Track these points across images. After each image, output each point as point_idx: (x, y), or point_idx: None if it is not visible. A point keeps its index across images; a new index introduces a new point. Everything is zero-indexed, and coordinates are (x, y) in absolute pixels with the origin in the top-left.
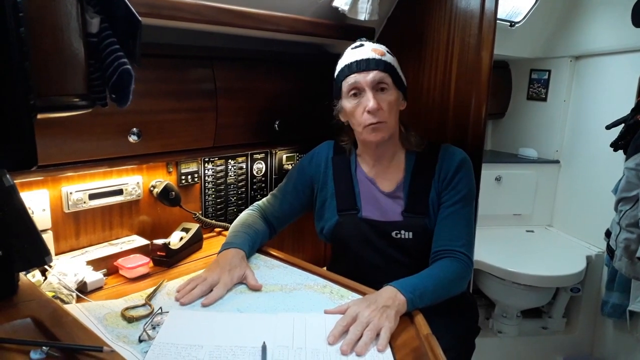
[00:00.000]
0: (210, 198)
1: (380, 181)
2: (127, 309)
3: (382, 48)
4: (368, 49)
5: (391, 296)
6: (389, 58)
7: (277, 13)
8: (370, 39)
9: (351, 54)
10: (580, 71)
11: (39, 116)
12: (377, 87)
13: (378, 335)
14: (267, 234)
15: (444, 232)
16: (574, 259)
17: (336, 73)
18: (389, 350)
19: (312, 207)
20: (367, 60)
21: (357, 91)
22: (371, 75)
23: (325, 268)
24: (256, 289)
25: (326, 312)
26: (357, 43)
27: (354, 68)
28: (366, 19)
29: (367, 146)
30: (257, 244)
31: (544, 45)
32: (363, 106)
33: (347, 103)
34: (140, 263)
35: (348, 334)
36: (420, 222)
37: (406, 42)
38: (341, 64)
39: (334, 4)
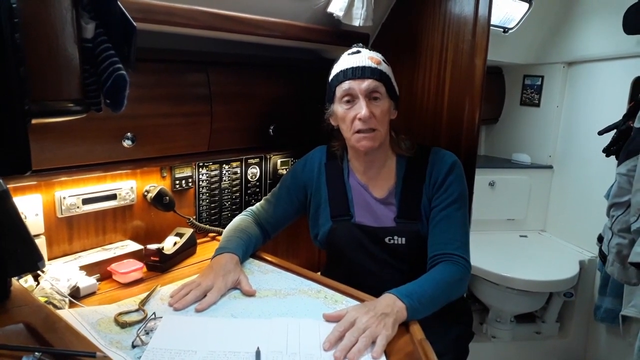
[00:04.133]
0: (204, 203)
1: (373, 187)
2: (120, 314)
3: (378, 57)
4: (365, 57)
5: (389, 303)
6: (384, 67)
7: (272, 18)
8: (365, 44)
9: (347, 60)
10: (572, 77)
11: (34, 121)
12: (371, 96)
13: (374, 342)
14: (261, 238)
15: (438, 236)
16: (567, 263)
17: (331, 77)
18: (383, 358)
19: (305, 212)
20: (363, 68)
21: (351, 97)
22: (366, 84)
23: (319, 273)
24: (250, 294)
25: (325, 316)
26: (354, 49)
27: (349, 74)
28: (361, 24)
29: (357, 152)
30: (250, 248)
31: (537, 52)
32: (355, 113)
33: (339, 108)
34: (134, 268)
35: (343, 339)
36: (412, 227)
37: (400, 47)
38: (337, 68)
39: (329, 9)
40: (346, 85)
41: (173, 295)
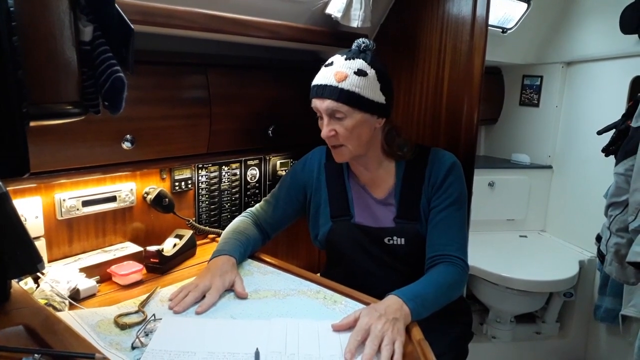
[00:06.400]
0: (203, 204)
1: (372, 188)
2: (120, 316)
3: (346, 70)
4: (331, 72)
5: (398, 308)
6: (349, 83)
7: (271, 20)
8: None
9: (319, 74)
10: (571, 77)
11: (32, 124)
12: (333, 115)
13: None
14: (260, 240)
15: (437, 237)
16: (567, 263)
17: None
18: None
19: (305, 213)
20: (324, 86)
21: (319, 113)
22: (325, 104)
23: (319, 274)
24: (242, 296)
25: (335, 326)
26: (330, 60)
27: (314, 92)
28: (359, 25)
29: None
30: (248, 250)
31: (535, 52)
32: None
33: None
34: (134, 270)
35: (365, 348)
36: (412, 228)
37: (398, 48)
38: (313, 81)
39: (327, 11)
40: (313, 102)
41: (172, 298)
